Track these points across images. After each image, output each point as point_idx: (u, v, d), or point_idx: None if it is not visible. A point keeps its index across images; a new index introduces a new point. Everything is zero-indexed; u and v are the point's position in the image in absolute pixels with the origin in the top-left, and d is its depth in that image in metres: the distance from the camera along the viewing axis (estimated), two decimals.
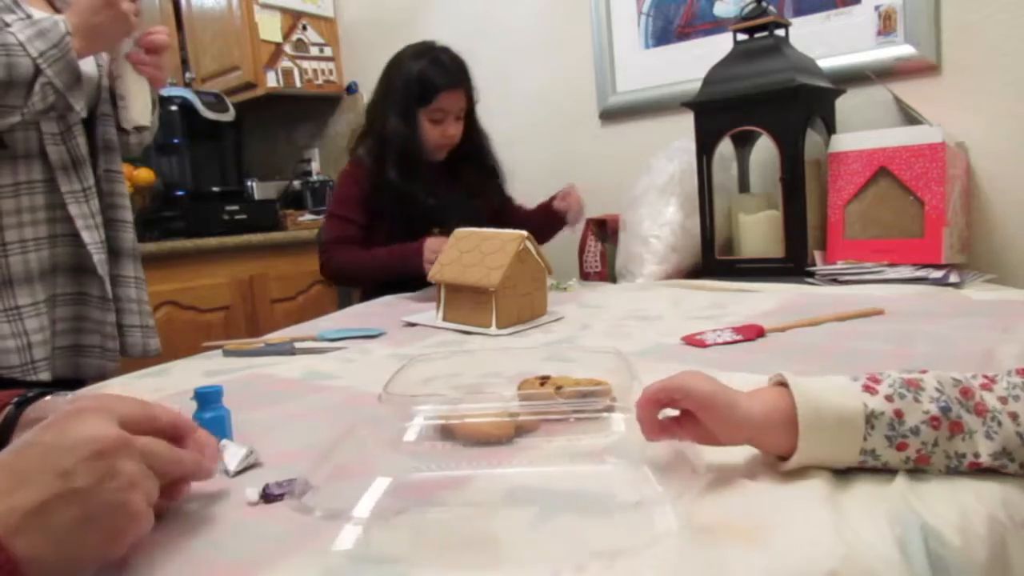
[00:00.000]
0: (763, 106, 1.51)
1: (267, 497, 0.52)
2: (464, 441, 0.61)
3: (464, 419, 0.61)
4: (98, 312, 1.20)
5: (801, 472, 0.51)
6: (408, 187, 1.66)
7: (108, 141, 1.24)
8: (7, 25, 1.02)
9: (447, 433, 0.61)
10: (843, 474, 0.51)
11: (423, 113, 1.69)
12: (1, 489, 0.39)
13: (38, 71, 1.00)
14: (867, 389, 0.51)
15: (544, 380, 0.69)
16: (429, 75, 1.68)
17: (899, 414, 0.50)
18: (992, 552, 0.46)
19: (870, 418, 0.50)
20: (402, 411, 0.62)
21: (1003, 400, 0.51)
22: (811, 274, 1.48)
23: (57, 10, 1.18)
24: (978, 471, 0.51)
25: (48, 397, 0.60)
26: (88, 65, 1.16)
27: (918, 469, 0.51)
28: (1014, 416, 0.50)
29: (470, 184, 1.79)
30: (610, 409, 0.58)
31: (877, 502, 0.47)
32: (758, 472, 0.52)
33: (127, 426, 0.44)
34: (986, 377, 0.53)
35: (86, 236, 1.16)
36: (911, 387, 0.51)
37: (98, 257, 1.18)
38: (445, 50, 1.75)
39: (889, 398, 0.50)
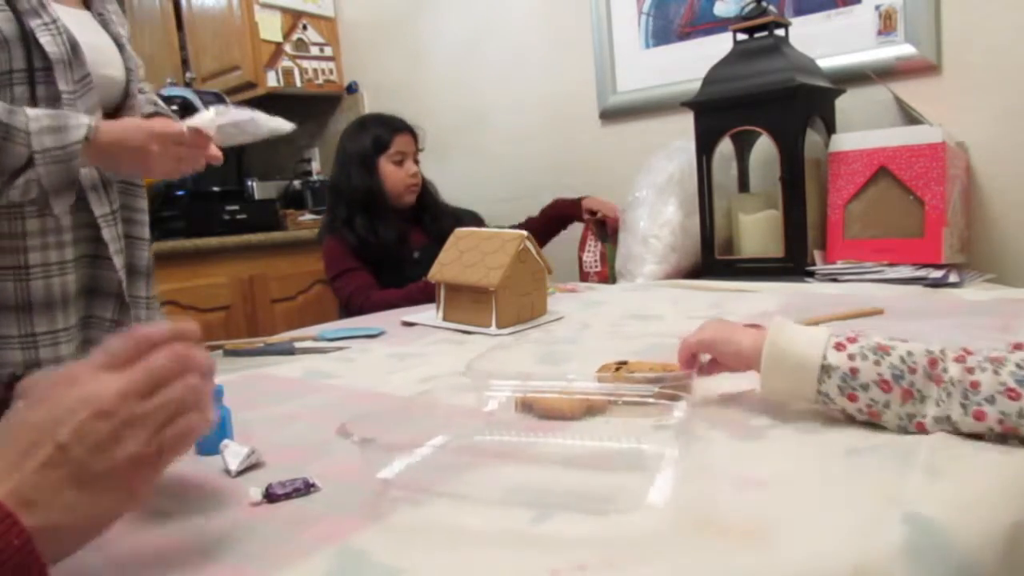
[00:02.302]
0: (763, 106, 1.51)
1: (270, 497, 0.52)
2: (538, 415, 0.68)
3: (540, 396, 0.68)
4: (109, 336, 1.14)
5: (809, 472, 0.51)
6: (385, 240, 1.82)
7: None
8: (29, 107, 0.96)
9: (525, 408, 0.70)
10: (854, 471, 0.51)
11: (384, 159, 1.87)
12: (7, 463, 0.39)
13: (30, 163, 0.93)
14: (837, 346, 0.59)
15: (621, 365, 0.76)
16: (380, 127, 1.91)
17: (854, 371, 0.58)
18: (1008, 557, 0.45)
19: (826, 368, 0.59)
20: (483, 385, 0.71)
21: (969, 370, 0.55)
22: (811, 274, 1.48)
23: (87, 4, 1.13)
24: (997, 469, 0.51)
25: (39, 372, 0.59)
26: (114, 68, 1.12)
27: (870, 422, 0.58)
28: (975, 385, 0.54)
29: (441, 230, 1.73)
30: (669, 396, 0.61)
31: (889, 501, 0.46)
32: (765, 470, 0.52)
33: (119, 365, 0.43)
34: (964, 350, 0.57)
35: (117, 261, 1.10)
36: (879, 351, 0.58)
37: (125, 282, 1.12)
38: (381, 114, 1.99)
39: (851, 357, 0.58)
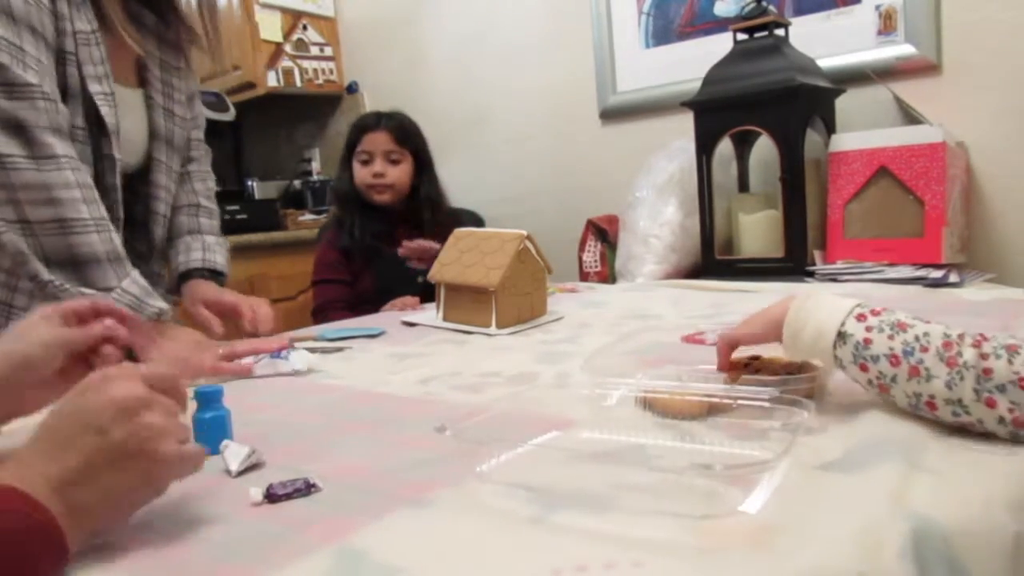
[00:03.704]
0: (763, 106, 1.51)
1: (271, 497, 0.52)
2: (657, 414, 0.66)
3: (659, 394, 0.67)
4: None
5: (816, 475, 0.51)
6: (360, 239, 1.83)
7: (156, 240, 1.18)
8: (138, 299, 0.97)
9: (646, 406, 0.67)
10: (858, 473, 0.50)
11: (355, 158, 1.89)
12: (50, 454, 0.45)
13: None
14: (859, 317, 0.61)
15: (752, 360, 0.74)
16: (356, 124, 1.94)
17: (867, 342, 0.60)
18: (1015, 564, 0.45)
19: (842, 335, 0.61)
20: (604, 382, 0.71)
21: (984, 356, 0.55)
22: (811, 274, 1.48)
23: (144, 81, 1.13)
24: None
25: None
26: (129, 156, 1.10)
27: (883, 397, 0.60)
28: (987, 372, 0.54)
29: (438, 231, 1.70)
30: (790, 400, 0.59)
31: (895, 507, 0.45)
32: (774, 474, 0.51)
33: (151, 384, 0.50)
34: (981, 335, 0.57)
35: None
36: (897, 327, 0.60)
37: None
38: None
39: (869, 328, 0.60)
